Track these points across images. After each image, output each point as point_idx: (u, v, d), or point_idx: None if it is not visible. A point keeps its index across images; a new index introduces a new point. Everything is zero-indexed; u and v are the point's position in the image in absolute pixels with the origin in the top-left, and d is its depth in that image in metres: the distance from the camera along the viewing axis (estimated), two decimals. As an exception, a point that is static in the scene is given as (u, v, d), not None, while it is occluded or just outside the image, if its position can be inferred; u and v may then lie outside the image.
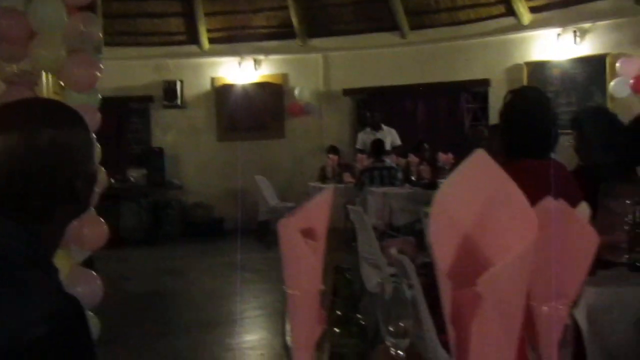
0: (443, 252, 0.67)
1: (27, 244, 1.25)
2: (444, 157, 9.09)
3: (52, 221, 1.34)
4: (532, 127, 2.75)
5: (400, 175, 9.19)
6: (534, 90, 3.10)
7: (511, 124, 2.82)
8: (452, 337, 0.68)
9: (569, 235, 0.96)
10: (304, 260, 1.03)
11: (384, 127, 10.40)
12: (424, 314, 2.76)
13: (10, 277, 1.18)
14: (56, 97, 4.18)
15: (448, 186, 0.69)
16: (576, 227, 0.97)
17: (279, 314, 1.11)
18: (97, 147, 4.33)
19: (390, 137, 10.32)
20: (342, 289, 1.36)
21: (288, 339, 1.11)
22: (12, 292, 1.16)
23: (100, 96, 4.75)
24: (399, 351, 1.39)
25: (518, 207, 0.68)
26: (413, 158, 9.27)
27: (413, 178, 8.96)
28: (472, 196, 0.69)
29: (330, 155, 10.44)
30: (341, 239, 9.32)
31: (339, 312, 1.36)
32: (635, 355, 2.53)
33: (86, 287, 4.19)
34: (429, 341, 2.77)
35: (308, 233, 1.04)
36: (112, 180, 10.57)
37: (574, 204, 1.05)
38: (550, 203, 0.95)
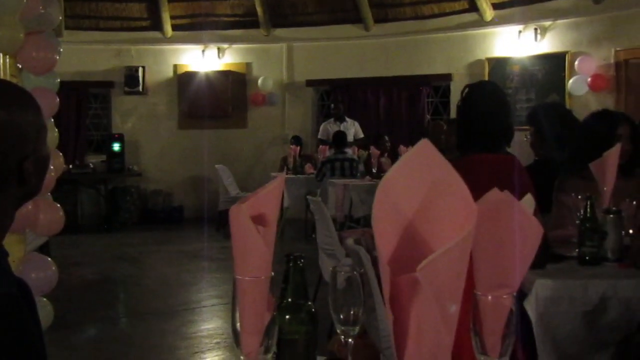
0: (385, 237, 0.69)
1: None
2: (404, 150, 9.15)
3: None
4: (487, 121, 2.78)
5: (361, 167, 9.24)
6: (491, 85, 3.14)
7: (467, 118, 2.86)
8: (390, 322, 0.69)
9: (514, 227, 0.98)
10: (254, 246, 1.04)
11: (348, 119, 10.44)
12: (378, 303, 2.79)
13: None
14: (13, 80, 4.11)
15: (392, 174, 0.70)
16: (521, 218, 1.00)
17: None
18: (55, 132, 4.29)
19: (353, 129, 10.37)
20: (294, 276, 1.37)
21: (237, 324, 1.11)
22: None
23: (59, 80, 4.68)
24: (348, 339, 1.40)
25: (459, 196, 0.69)
26: (374, 150, 9.32)
27: (374, 170, 9.01)
28: (415, 184, 0.70)
29: (292, 146, 10.44)
30: (302, 230, 9.36)
31: (289, 300, 1.37)
32: (582, 346, 2.60)
33: (41, 273, 4.13)
34: (383, 331, 2.80)
35: (259, 219, 1.04)
36: (70, 166, 10.47)
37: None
38: (496, 195, 0.97)
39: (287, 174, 9.18)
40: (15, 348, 1.13)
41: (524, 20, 10.03)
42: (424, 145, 0.72)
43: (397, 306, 0.68)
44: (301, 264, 1.38)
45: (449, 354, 0.71)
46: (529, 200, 1.08)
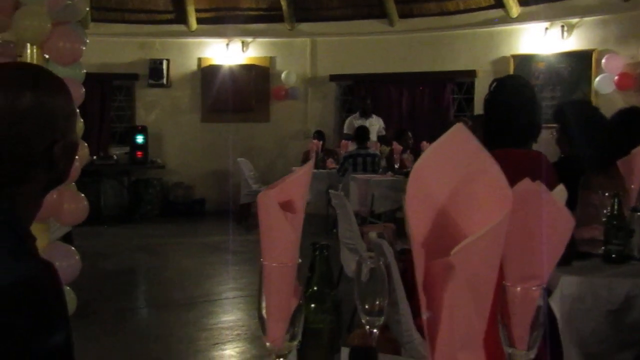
0: (418, 221, 0.68)
1: None
2: (427, 147, 9.09)
3: (27, 186, 1.33)
4: (514, 116, 2.75)
5: (383, 162, 9.20)
6: (519, 80, 3.10)
7: (494, 112, 2.83)
8: (423, 306, 0.68)
9: (545, 218, 0.97)
10: (282, 233, 1.03)
11: (373, 115, 10.42)
12: (400, 297, 2.78)
13: None
14: (40, 69, 4.14)
15: (426, 157, 0.70)
16: (552, 209, 0.98)
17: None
18: (80, 122, 4.31)
19: (378, 125, 10.35)
20: (319, 266, 1.37)
21: (263, 311, 1.11)
22: None
23: (84, 71, 4.72)
24: (373, 329, 1.40)
25: (494, 181, 0.68)
26: (397, 146, 9.28)
27: (396, 166, 8.98)
28: (450, 168, 0.70)
29: (314, 140, 10.43)
30: (322, 224, 9.36)
31: (315, 288, 1.36)
32: (606, 344, 2.57)
33: (64, 262, 4.17)
34: (404, 325, 2.79)
35: (287, 206, 1.04)
36: (94, 157, 10.55)
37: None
38: (527, 185, 0.96)
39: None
40: (42, 331, 1.14)
41: (551, 17, 9.95)
42: (459, 129, 0.71)
43: (429, 291, 0.67)
44: (326, 253, 1.38)
45: (481, 341, 0.70)
46: (560, 192, 1.07)
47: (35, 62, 4.30)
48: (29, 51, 4.25)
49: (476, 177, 0.69)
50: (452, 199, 0.69)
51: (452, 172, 0.70)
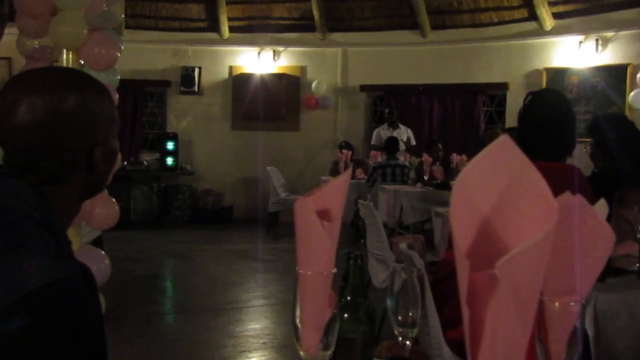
0: (462, 232, 0.67)
1: (36, 207, 1.25)
2: (457, 158, 9.07)
3: (65, 187, 1.34)
4: (550, 129, 2.73)
5: (412, 173, 9.17)
6: (555, 93, 3.07)
7: (529, 125, 2.80)
8: (466, 319, 0.68)
9: (585, 232, 0.95)
10: (318, 241, 1.03)
11: (401, 125, 10.40)
12: (430, 310, 2.75)
13: (12, 237, 1.18)
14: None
15: (471, 168, 0.69)
16: (593, 223, 0.97)
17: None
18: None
19: (405, 135, 10.32)
20: (353, 275, 1.36)
21: (297, 319, 1.10)
22: (15, 253, 1.16)
23: (119, 77, 4.78)
24: (406, 341, 1.39)
25: (539, 193, 0.67)
26: (426, 157, 9.24)
27: (425, 177, 8.93)
28: (495, 180, 0.69)
29: (344, 150, 10.43)
30: (350, 234, 9.35)
31: (348, 298, 1.36)
32: (641, 363, 2.52)
33: (94, 266, 4.20)
34: (434, 338, 2.77)
35: (324, 214, 1.03)
36: (125, 163, 10.66)
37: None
38: (567, 198, 0.94)
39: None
40: (77, 332, 1.15)
41: (585, 30, 9.86)
42: (504, 141, 0.70)
43: (472, 304, 0.66)
44: (361, 263, 1.37)
45: (523, 356, 0.69)
46: (602, 206, 1.05)
47: (71, 67, 4.36)
48: (65, 56, 4.31)
49: (521, 188, 0.68)
50: (497, 210, 0.68)
51: (497, 183, 0.69)
